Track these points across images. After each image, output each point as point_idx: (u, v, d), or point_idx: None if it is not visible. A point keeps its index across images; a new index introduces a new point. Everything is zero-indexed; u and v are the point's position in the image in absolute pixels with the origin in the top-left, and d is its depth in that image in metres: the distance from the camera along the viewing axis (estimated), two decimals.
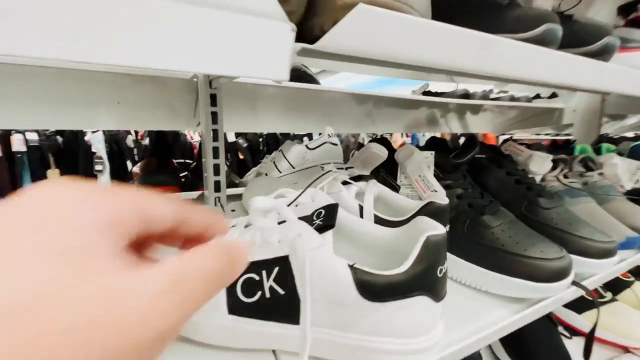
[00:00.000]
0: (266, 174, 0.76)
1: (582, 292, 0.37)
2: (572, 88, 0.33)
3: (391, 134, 2.37)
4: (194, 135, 1.89)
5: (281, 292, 0.24)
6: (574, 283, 0.37)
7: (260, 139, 1.90)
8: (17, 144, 1.50)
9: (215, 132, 0.51)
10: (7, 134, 1.47)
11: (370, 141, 0.54)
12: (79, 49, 0.13)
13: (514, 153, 0.57)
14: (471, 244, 0.38)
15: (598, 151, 0.75)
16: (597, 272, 0.40)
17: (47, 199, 0.11)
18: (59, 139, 1.60)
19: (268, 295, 0.24)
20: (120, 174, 1.68)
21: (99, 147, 1.65)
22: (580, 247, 0.39)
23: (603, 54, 0.32)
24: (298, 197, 0.29)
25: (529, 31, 0.27)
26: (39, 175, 1.54)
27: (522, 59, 0.25)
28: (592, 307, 0.70)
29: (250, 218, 0.27)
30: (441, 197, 0.31)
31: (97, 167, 1.63)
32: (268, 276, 0.24)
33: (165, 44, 0.15)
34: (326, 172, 0.35)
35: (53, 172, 1.58)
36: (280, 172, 0.74)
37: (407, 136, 2.37)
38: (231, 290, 0.25)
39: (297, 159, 0.72)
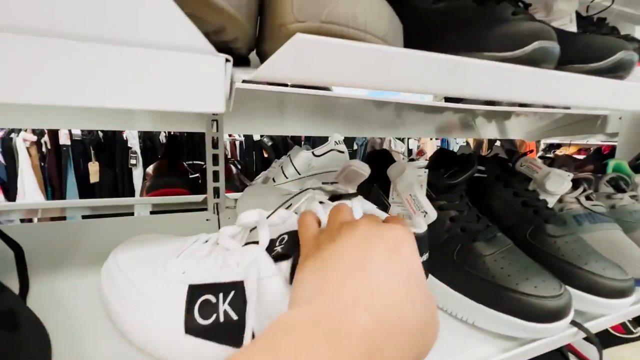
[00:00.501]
0: (273, 179, 0.77)
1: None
2: (574, 106, 0.29)
3: (419, 139, 2.29)
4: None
5: (234, 317, 0.23)
6: (574, 323, 0.33)
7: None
8: (64, 138, 1.64)
9: (215, 140, 0.52)
10: (55, 129, 1.62)
11: (370, 153, 0.52)
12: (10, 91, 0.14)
13: (531, 170, 0.53)
14: (460, 272, 0.35)
15: (638, 169, 0.67)
16: (606, 312, 0.35)
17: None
18: (100, 134, 1.73)
19: (222, 319, 0.24)
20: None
21: (134, 142, 1.76)
22: (588, 284, 0.35)
23: (617, 71, 0.28)
24: (269, 216, 0.28)
25: (516, 50, 0.24)
26: (81, 166, 1.68)
27: (496, 80, 0.23)
28: (621, 343, 0.63)
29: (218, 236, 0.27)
30: (420, 225, 0.29)
31: (132, 161, 1.75)
32: (224, 299, 0.23)
33: (97, 83, 0.15)
34: (303, 191, 0.34)
35: (93, 165, 1.72)
36: (287, 178, 0.74)
37: (432, 140, 2.28)
38: (189, 310, 0.25)
39: (303, 165, 0.72)
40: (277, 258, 0.23)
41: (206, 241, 0.29)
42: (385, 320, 0.14)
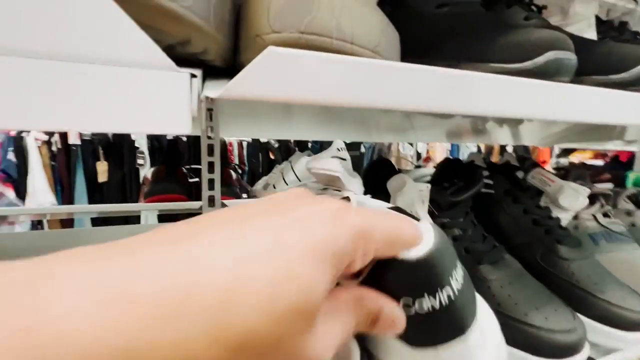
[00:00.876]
0: (274, 186, 0.75)
1: None
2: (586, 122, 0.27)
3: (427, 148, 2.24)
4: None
5: None
6: None
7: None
8: (73, 138, 1.66)
9: (210, 147, 0.50)
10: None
11: (371, 163, 0.50)
12: None
13: (542, 183, 0.49)
14: None
15: None
16: (624, 346, 0.32)
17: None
18: (109, 134, 1.75)
19: None
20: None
21: (141, 142, 1.77)
22: (605, 314, 0.32)
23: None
24: None
25: (526, 61, 0.22)
26: (90, 165, 1.70)
27: (503, 95, 0.20)
28: None
29: None
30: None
31: (139, 162, 1.76)
32: None
33: (50, 104, 0.13)
34: None
35: (102, 164, 1.74)
36: (287, 184, 0.72)
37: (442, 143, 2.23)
38: None
39: (304, 171, 0.70)
40: None
41: None
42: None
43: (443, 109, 0.19)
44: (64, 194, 1.66)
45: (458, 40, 0.24)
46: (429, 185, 0.37)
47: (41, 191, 1.59)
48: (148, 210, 0.75)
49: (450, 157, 0.53)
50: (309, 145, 1.80)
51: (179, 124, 0.16)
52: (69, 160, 1.66)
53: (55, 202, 1.62)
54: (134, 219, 1.10)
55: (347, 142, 0.73)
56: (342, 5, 0.17)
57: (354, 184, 0.28)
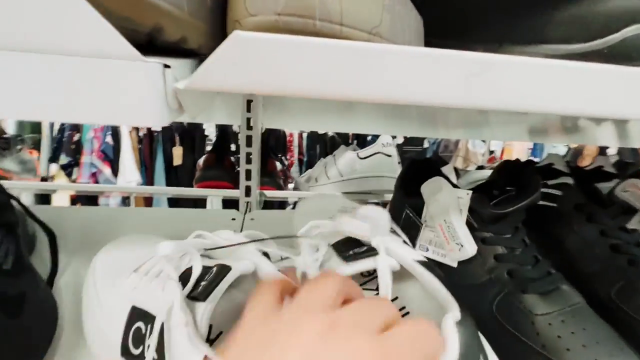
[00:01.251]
0: (316, 179, 0.74)
1: None
2: None
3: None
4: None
5: (154, 356, 0.19)
6: None
7: None
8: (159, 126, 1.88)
9: (249, 138, 0.51)
10: None
11: (412, 163, 0.45)
12: None
13: (637, 199, 0.39)
14: (498, 329, 0.28)
15: None
16: None
17: None
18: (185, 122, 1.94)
19: (146, 354, 0.20)
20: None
21: (210, 131, 1.93)
22: None
23: None
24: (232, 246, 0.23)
25: (596, 40, 0.16)
26: (168, 150, 1.92)
27: (552, 84, 0.15)
28: None
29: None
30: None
31: (207, 148, 1.92)
32: (150, 333, 0.19)
33: (18, 94, 0.14)
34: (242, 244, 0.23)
35: (177, 149, 1.94)
36: (329, 179, 0.71)
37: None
38: (126, 333, 0.21)
39: (346, 167, 0.68)
40: (194, 298, 0.19)
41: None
42: None
43: (458, 104, 0.15)
44: (147, 173, 1.91)
45: (500, 18, 0.19)
46: (470, 192, 0.31)
47: (130, 170, 1.85)
48: (205, 195, 0.83)
49: (510, 160, 0.45)
50: (369, 138, 1.74)
51: (152, 115, 0.15)
52: (152, 145, 1.89)
53: (140, 180, 1.87)
54: (201, 201, 1.26)
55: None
56: None
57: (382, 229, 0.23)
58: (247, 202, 0.53)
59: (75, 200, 1.56)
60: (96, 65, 0.14)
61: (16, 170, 0.79)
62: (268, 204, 0.56)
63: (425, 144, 2.02)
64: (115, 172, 1.83)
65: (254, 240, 0.23)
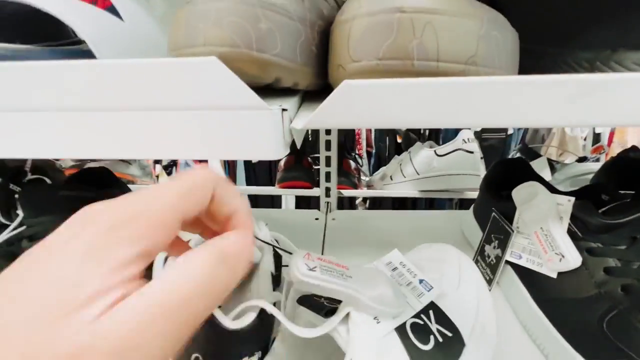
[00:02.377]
0: (391, 177, 0.74)
1: None
2: None
3: None
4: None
5: None
6: None
7: None
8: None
9: (328, 142, 0.54)
10: None
11: (498, 163, 0.42)
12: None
13: None
14: (611, 349, 0.25)
15: None
16: None
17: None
18: None
19: None
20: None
21: None
22: None
23: None
24: None
25: None
26: None
27: None
28: None
29: None
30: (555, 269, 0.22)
31: None
32: None
33: (169, 140, 0.18)
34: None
35: None
36: (404, 177, 0.70)
37: None
38: None
39: (423, 164, 0.67)
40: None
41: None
42: None
43: (559, 124, 0.15)
44: (230, 172, 2.13)
45: (616, 21, 0.18)
46: (572, 199, 0.29)
47: (216, 169, 2.10)
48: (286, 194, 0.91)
49: (624, 153, 0.39)
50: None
51: (275, 150, 0.19)
52: None
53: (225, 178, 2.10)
54: (277, 198, 1.39)
55: (470, 135, 0.64)
56: (427, 21, 0.15)
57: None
58: (328, 203, 0.57)
59: None
60: (234, 115, 0.18)
61: (138, 174, 0.97)
62: (340, 201, 0.59)
63: (510, 130, 1.81)
64: None
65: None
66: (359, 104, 0.16)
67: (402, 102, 0.16)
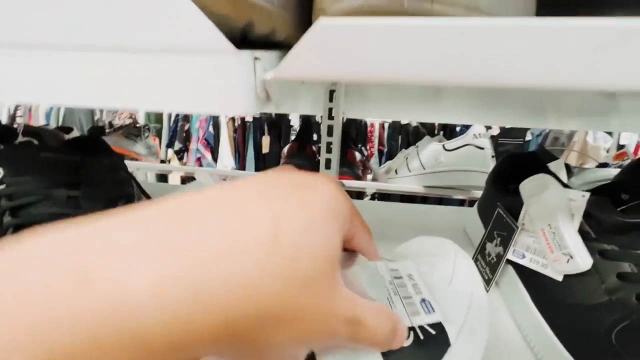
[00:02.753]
0: (396, 171, 0.72)
1: None
2: None
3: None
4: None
5: None
6: None
7: None
8: (249, 115, 2.08)
9: (330, 127, 0.52)
10: None
11: (508, 157, 0.39)
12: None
13: None
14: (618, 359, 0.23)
15: None
16: None
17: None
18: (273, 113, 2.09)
19: None
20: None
21: (295, 122, 2.04)
22: None
23: None
24: None
25: None
26: (258, 139, 2.10)
27: None
28: None
29: None
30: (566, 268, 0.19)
31: (292, 137, 2.04)
32: None
33: (122, 88, 0.17)
34: None
35: (266, 138, 2.11)
36: (410, 171, 0.67)
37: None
38: None
39: (430, 159, 0.64)
40: None
41: None
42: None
43: (579, 86, 0.12)
44: (240, 160, 2.13)
45: None
46: (587, 195, 0.26)
47: (226, 157, 2.09)
48: None
49: None
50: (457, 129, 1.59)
51: (244, 105, 0.17)
52: (245, 134, 2.10)
53: (234, 166, 2.10)
54: None
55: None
56: None
57: None
58: None
59: (185, 180, 1.84)
60: (196, 59, 0.16)
61: (144, 153, 0.96)
62: None
63: (528, 136, 1.73)
64: (215, 158, 2.10)
65: None
66: (336, 48, 0.14)
67: (388, 47, 0.13)
